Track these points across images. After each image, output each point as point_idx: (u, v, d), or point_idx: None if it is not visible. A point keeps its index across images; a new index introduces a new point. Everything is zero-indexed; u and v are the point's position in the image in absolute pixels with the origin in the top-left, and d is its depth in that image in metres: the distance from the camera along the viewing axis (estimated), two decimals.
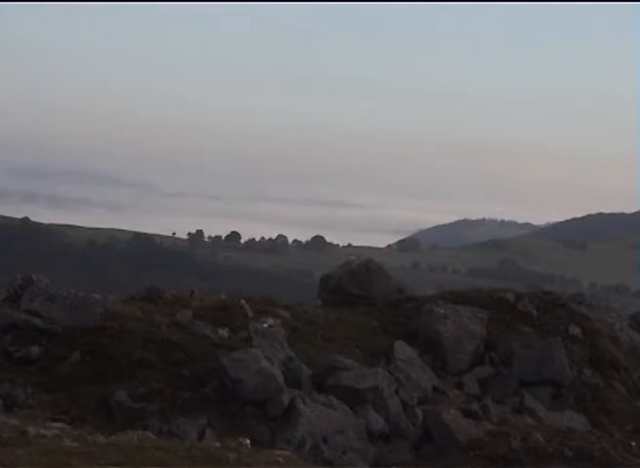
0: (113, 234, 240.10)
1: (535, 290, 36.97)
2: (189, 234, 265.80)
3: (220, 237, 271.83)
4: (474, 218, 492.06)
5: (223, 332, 25.24)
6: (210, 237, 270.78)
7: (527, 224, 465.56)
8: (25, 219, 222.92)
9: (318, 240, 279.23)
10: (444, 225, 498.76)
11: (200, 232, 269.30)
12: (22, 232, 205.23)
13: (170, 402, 22.02)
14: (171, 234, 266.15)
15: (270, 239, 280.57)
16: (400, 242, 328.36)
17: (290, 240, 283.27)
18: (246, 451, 15.79)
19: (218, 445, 16.45)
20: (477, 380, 26.82)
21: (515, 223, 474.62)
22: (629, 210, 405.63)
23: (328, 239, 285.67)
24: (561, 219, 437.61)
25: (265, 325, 25.29)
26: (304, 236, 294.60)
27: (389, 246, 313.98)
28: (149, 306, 25.91)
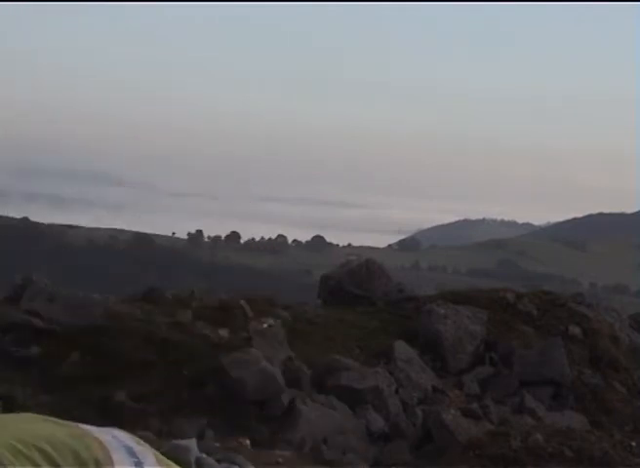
0: (113, 234, 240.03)
1: (535, 290, 36.94)
2: (189, 234, 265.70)
3: (220, 237, 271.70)
4: (474, 218, 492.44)
5: (223, 332, 25.23)
6: (210, 237, 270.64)
7: (527, 224, 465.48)
8: (25, 219, 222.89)
9: (318, 240, 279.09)
10: (444, 225, 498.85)
11: (200, 232, 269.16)
12: (22, 232, 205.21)
13: (170, 402, 22.02)
14: (171, 234, 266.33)
15: (270, 239, 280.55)
16: (400, 242, 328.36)
17: (290, 240, 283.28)
18: (246, 451, 15.80)
19: (217, 445, 16.47)
20: (477, 380, 26.81)
21: (515, 223, 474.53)
22: (629, 210, 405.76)
23: (328, 239, 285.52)
24: (561, 219, 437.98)
25: (265, 325, 25.28)
26: (304, 236, 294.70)
27: (389, 246, 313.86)
28: (149, 306, 25.91)
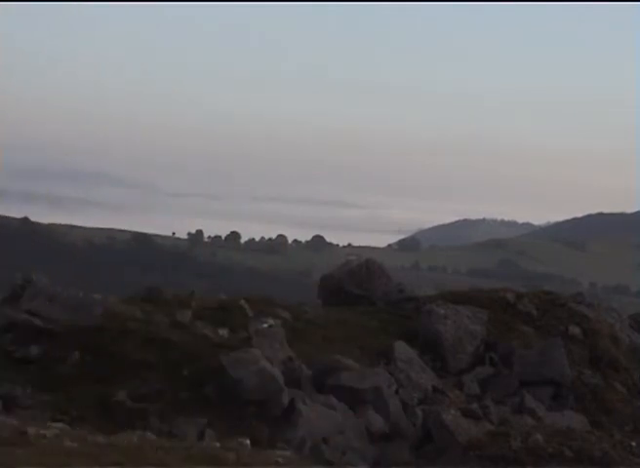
0: (113, 234, 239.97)
1: (535, 290, 36.94)
2: (189, 234, 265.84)
3: (220, 237, 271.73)
4: (474, 218, 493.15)
5: (223, 332, 25.23)
6: (210, 237, 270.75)
7: (527, 224, 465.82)
8: (25, 219, 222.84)
9: (318, 240, 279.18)
10: (444, 225, 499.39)
11: (200, 232, 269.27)
12: (22, 232, 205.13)
13: (170, 402, 21.99)
14: (171, 234, 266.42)
15: (270, 239, 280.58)
16: (400, 242, 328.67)
17: (290, 240, 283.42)
18: (246, 452, 15.79)
19: (217, 445, 16.45)
20: (477, 380, 26.80)
21: (515, 223, 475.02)
22: (629, 210, 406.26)
23: (328, 239, 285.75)
24: (561, 219, 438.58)
25: (265, 325, 25.27)
26: (304, 236, 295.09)
27: (389, 246, 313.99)
28: (149, 306, 25.89)
